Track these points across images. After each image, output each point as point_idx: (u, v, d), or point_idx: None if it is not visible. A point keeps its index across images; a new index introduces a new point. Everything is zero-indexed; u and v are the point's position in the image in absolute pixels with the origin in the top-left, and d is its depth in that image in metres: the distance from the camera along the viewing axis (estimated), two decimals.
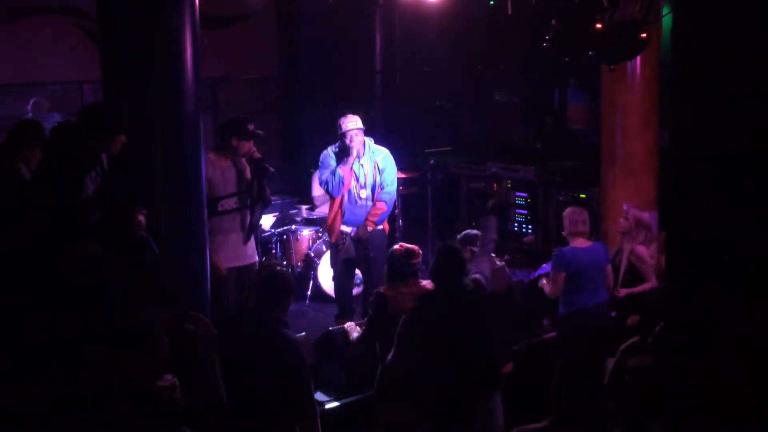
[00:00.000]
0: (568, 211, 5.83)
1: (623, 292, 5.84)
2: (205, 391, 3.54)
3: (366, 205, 6.26)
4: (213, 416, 3.54)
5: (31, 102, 8.05)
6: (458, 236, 5.68)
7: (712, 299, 3.36)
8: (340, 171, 6.15)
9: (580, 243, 5.68)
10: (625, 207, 6.22)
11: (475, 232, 5.78)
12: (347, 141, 6.14)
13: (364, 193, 6.24)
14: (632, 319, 5.67)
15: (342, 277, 6.50)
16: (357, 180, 6.24)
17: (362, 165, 6.22)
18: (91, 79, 7.24)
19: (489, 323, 4.48)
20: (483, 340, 4.41)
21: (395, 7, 9.58)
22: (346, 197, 6.26)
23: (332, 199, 6.33)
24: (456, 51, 10.11)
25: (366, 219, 6.30)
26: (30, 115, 8.00)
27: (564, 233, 5.79)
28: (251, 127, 5.70)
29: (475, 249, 5.46)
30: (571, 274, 5.60)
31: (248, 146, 5.72)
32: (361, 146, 6.17)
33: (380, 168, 6.25)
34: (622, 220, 6.08)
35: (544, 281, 5.94)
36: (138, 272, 4.10)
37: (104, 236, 4.28)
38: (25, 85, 8.48)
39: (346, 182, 6.18)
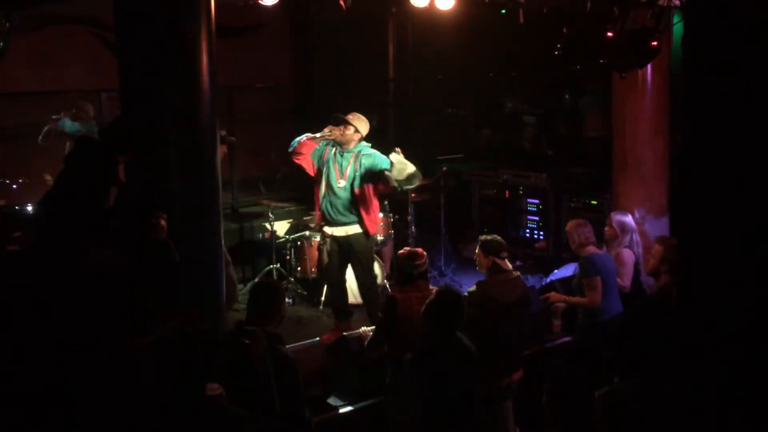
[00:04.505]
0: (572, 224, 5.73)
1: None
2: (259, 401, 3.66)
3: (344, 195, 6.26)
4: (267, 423, 3.65)
5: (73, 111, 8.00)
6: (480, 241, 5.19)
7: (724, 305, 3.38)
8: (306, 136, 6.26)
9: (594, 251, 5.64)
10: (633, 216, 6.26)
11: (498, 239, 5.17)
12: (333, 122, 6.28)
13: (342, 183, 6.27)
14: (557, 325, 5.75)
15: (333, 281, 6.55)
16: (337, 169, 6.28)
17: (343, 156, 6.28)
18: (108, 88, 7.32)
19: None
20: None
21: (408, 16, 9.64)
22: (324, 186, 6.31)
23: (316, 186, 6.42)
24: (468, 59, 10.15)
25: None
26: (70, 121, 7.99)
27: (573, 246, 5.67)
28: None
29: (499, 260, 5.07)
30: (603, 279, 5.49)
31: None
32: (339, 136, 6.24)
33: (362, 162, 6.27)
34: (606, 228, 6.10)
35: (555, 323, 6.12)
36: (158, 277, 4.15)
37: (123, 242, 4.33)
38: (44, 94, 8.57)
39: (305, 150, 6.26)
